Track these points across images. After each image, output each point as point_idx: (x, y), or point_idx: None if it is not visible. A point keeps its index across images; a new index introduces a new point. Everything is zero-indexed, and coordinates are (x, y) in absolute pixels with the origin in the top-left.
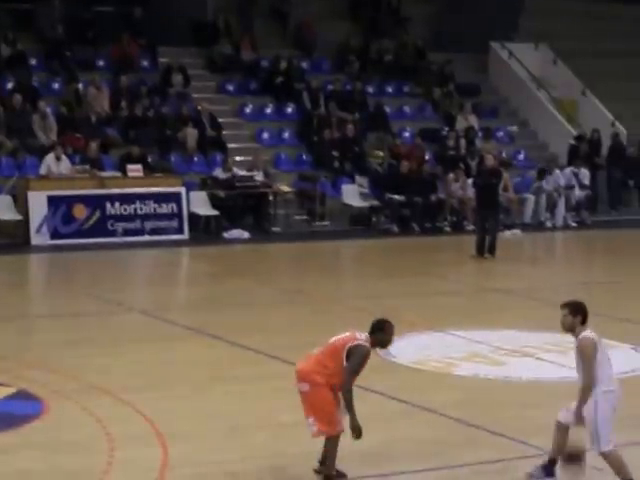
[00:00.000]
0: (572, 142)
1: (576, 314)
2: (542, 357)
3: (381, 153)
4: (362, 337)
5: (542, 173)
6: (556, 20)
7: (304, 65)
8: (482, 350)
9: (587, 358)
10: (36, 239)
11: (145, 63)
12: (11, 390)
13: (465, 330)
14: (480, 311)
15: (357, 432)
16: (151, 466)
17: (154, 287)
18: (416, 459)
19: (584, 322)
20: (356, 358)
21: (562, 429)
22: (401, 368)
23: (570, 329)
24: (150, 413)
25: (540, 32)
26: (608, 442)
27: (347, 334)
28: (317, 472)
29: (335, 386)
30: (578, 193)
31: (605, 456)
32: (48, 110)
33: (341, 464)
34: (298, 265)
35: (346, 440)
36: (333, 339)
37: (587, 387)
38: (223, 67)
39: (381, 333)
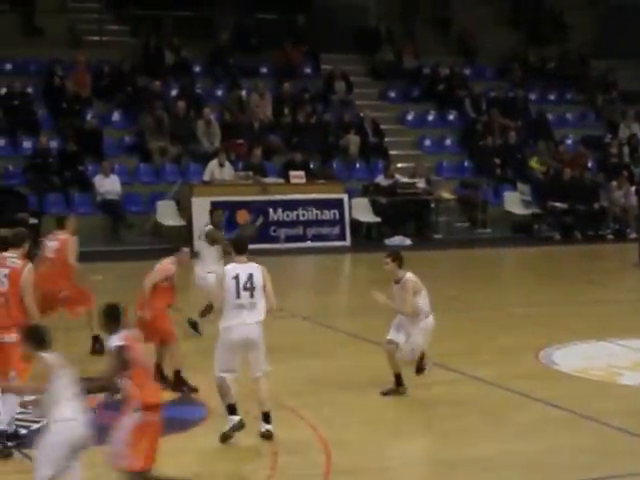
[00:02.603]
0: None
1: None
2: None
3: (542, 161)
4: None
5: None
6: None
7: (466, 72)
8: None
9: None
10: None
11: (308, 70)
12: (177, 395)
13: (629, 339)
14: None
15: None
16: (314, 472)
17: (316, 293)
18: (578, 468)
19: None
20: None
21: None
22: (564, 376)
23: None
24: (313, 419)
25: None
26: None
27: None
28: None
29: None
30: None
31: None
32: (212, 117)
33: (505, 471)
34: (459, 272)
35: (503, 447)
36: None
37: None
38: (385, 74)
39: None
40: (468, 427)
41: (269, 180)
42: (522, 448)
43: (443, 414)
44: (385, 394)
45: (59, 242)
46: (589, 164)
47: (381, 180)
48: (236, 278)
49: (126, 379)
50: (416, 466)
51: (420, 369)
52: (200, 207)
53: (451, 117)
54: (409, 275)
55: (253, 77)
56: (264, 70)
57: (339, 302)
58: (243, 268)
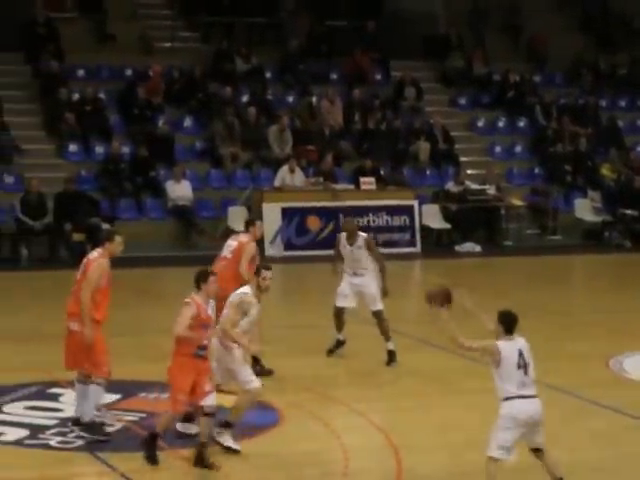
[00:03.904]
0: None
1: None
2: None
3: (613, 168)
4: None
5: None
6: None
7: (536, 79)
8: None
9: None
10: (270, 250)
11: (378, 76)
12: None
13: None
14: None
15: None
16: (386, 478)
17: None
18: None
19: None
20: None
21: None
22: (634, 384)
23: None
24: (383, 424)
25: None
26: None
27: None
28: None
29: None
30: None
31: None
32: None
33: (575, 477)
34: (529, 279)
35: (573, 454)
36: None
37: None
38: (455, 80)
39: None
40: None
41: (339, 186)
42: (592, 455)
43: None
44: None
45: (238, 243)
46: None
47: (451, 186)
48: None
49: None
50: None
51: None
52: (271, 213)
53: (521, 124)
54: (498, 342)
55: (323, 83)
56: (334, 76)
57: (409, 308)
58: None
